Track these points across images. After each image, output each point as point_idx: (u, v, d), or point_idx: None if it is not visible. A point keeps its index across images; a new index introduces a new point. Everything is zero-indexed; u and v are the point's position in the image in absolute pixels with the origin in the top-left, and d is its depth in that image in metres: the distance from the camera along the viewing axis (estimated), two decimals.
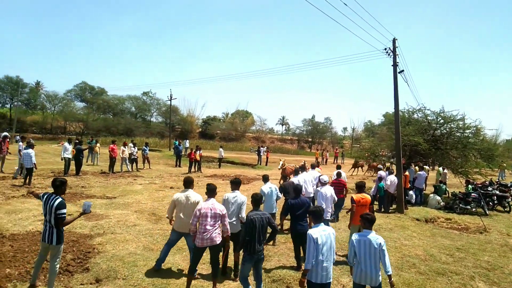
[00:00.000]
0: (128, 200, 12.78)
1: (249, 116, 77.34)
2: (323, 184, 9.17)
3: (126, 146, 21.14)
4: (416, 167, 17.49)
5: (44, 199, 5.56)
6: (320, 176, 9.84)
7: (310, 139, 75.43)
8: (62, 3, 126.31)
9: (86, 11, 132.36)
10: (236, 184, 6.96)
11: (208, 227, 5.83)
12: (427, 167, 19.07)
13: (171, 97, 45.65)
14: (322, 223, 5.17)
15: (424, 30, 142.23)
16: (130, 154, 21.26)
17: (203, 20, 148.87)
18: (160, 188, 15.66)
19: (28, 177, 14.18)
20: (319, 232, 4.93)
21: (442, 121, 18.06)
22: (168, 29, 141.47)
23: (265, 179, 9.35)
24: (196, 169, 23.70)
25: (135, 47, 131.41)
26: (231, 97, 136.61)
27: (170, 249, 6.89)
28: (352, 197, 8.30)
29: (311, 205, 7.82)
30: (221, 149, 28.99)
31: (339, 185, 11.00)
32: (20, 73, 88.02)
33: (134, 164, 21.79)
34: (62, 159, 17.56)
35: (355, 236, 5.07)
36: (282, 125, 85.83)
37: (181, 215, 6.55)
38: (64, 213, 5.46)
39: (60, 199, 5.48)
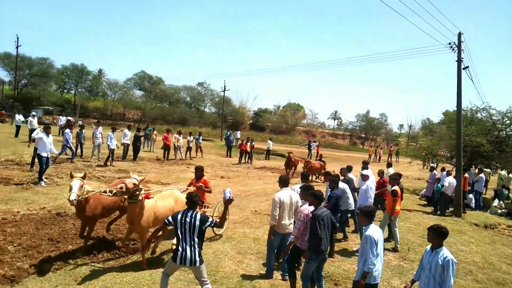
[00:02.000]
0: (180, 187, 13.19)
1: (300, 109, 76.79)
2: (366, 178, 8.91)
3: (180, 135, 21.85)
4: (476, 170, 16.53)
5: (179, 220, 4.78)
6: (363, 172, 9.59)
7: (363, 135, 73.47)
8: None
9: (146, 2, 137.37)
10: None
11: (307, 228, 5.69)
12: (488, 170, 17.92)
13: (224, 88, 46.44)
14: (373, 222, 5.06)
15: (492, 24, 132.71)
16: (188, 142, 22.02)
17: (258, 11, 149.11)
18: (212, 177, 16.01)
19: (110, 158, 16.13)
20: (377, 233, 4.82)
21: (508, 121, 16.88)
22: (223, 20, 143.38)
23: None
24: (247, 160, 23.99)
25: (192, 38, 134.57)
26: (283, 90, 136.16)
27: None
28: (395, 190, 8.29)
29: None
30: (269, 141, 29.04)
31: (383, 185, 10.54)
32: (85, 61, 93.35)
33: (188, 152, 22.47)
34: (121, 145, 18.47)
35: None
36: (334, 119, 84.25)
37: (285, 215, 6.17)
38: (212, 221, 4.96)
39: (199, 213, 4.93)
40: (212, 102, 72.80)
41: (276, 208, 6.05)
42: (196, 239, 4.76)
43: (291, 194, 6.33)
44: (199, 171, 8.13)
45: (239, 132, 39.61)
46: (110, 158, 16.21)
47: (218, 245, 7.62)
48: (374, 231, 4.83)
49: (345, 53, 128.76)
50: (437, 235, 4.47)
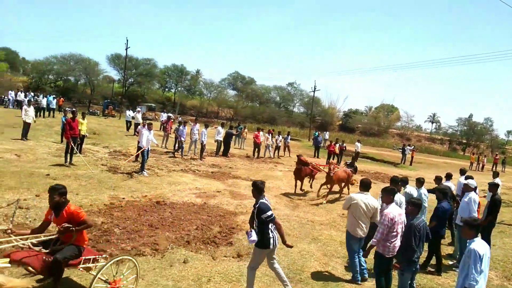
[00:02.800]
0: (268, 184, 13.42)
1: (394, 111, 72.97)
2: (471, 189, 8.10)
3: (270, 134, 22.25)
4: None
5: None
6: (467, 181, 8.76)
7: (464, 141, 67.30)
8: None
9: (240, 6, 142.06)
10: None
11: (396, 232, 5.46)
12: None
13: (314, 88, 46.13)
14: (479, 236, 4.59)
15: None
16: (276, 141, 22.38)
17: (351, 10, 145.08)
18: None
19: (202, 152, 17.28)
20: (482, 248, 4.36)
21: None
22: (313, 20, 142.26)
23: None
24: (336, 162, 23.52)
25: (283, 38, 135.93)
26: (376, 91, 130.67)
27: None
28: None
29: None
30: (357, 143, 28.08)
31: None
32: (184, 62, 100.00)
33: (277, 151, 22.78)
34: (215, 141, 19.41)
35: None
36: (432, 123, 78.28)
37: (361, 220, 6.06)
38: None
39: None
40: (301, 102, 72.88)
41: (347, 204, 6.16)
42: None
43: (369, 200, 6.11)
44: None
45: (327, 132, 39.01)
46: (202, 152, 17.32)
47: (304, 245, 7.59)
48: (480, 245, 4.36)
49: (446, 52, 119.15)
50: None
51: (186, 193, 10.48)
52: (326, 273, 6.42)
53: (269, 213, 4.99)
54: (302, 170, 12.32)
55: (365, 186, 6.26)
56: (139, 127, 15.02)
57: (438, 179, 9.81)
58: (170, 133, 20.05)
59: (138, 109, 25.69)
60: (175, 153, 17.31)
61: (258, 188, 5.21)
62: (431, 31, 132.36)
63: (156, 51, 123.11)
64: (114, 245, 6.41)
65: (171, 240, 6.97)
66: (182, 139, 17.15)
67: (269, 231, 5.03)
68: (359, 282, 6.13)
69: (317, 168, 13.49)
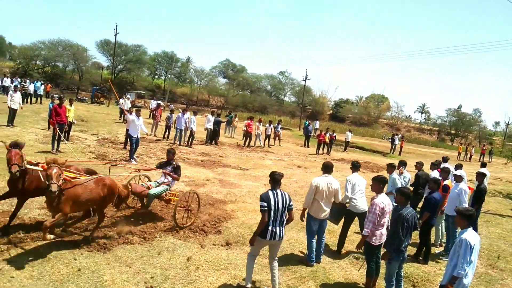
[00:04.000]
0: (258, 173, 13.47)
1: (385, 101, 73.35)
2: (460, 179, 8.18)
3: (260, 123, 22.23)
4: None
5: (275, 199, 5.00)
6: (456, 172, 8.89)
7: (453, 131, 68.05)
8: None
9: None
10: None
11: (384, 220, 5.49)
12: None
13: (305, 77, 46.00)
14: (472, 227, 4.63)
15: None
16: (266, 130, 22.35)
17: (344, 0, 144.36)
18: (288, 166, 16.09)
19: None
20: (474, 238, 4.41)
21: None
22: (307, 9, 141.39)
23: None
24: (325, 152, 23.69)
25: (275, 26, 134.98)
26: (366, 81, 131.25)
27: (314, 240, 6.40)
28: (446, 185, 7.88)
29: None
30: (348, 133, 28.22)
31: None
32: (174, 49, 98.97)
33: (267, 140, 22.78)
34: (205, 129, 19.33)
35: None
36: (422, 113, 79.02)
37: (321, 202, 6.19)
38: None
39: (287, 193, 5.28)
40: (292, 91, 72.82)
41: (311, 192, 6.17)
42: (284, 217, 5.08)
43: (331, 181, 6.26)
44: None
45: (318, 122, 39.10)
46: (192, 140, 17.31)
47: (293, 233, 7.62)
48: (472, 236, 4.41)
49: (437, 42, 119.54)
50: None
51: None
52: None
53: (261, 204, 4.96)
54: None
55: (326, 168, 6.41)
56: (127, 114, 14.83)
57: (419, 164, 10.00)
58: (160, 121, 19.90)
59: (128, 96, 25.39)
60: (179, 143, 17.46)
61: (273, 179, 5.17)
62: (424, 20, 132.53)
63: (146, 37, 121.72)
64: (100, 232, 6.36)
65: (160, 228, 6.95)
66: (178, 127, 17.15)
67: (270, 222, 4.96)
68: (313, 263, 6.26)
69: None
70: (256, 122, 22.35)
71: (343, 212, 6.96)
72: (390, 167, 8.57)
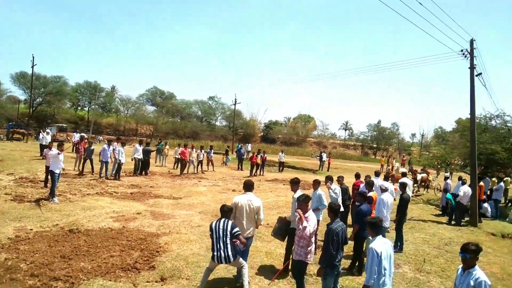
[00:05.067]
0: (193, 201, 13.22)
1: (311, 121, 76.72)
2: (384, 190, 8.76)
3: (193, 149, 22.02)
4: (494, 179, 16.21)
5: (215, 227, 5.77)
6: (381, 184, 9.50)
7: (375, 145, 72.91)
8: (134, 12, 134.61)
9: (156, 19, 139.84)
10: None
11: (313, 239, 5.76)
12: (508, 179, 17.52)
13: (235, 101, 46.77)
14: (381, 235, 4.90)
15: (507, 28, 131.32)
16: (198, 156, 22.09)
17: (267, 24, 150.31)
18: (223, 190, 16.01)
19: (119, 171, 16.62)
20: (382, 245, 4.61)
21: None
22: (233, 35, 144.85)
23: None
24: (259, 173, 24.05)
25: (202, 52, 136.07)
26: (293, 102, 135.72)
27: None
28: (370, 196, 8.37)
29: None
30: (281, 154, 29.01)
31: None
32: (98, 78, 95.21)
33: (199, 166, 22.52)
34: (132, 160, 18.61)
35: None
36: (345, 130, 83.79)
37: (243, 220, 6.28)
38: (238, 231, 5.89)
39: (231, 222, 5.91)
40: (223, 116, 73.51)
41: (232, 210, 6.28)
42: (227, 242, 5.71)
43: (252, 199, 6.37)
44: None
45: (250, 144, 39.61)
46: (119, 172, 16.68)
47: None
48: (379, 244, 4.61)
49: (355, 63, 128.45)
50: (477, 255, 4.13)
51: (102, 218, 9.82)
52: (254, 286, 6.41)
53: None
54: None
55: (247, 186, 6.55)
56: (45, 149, 13.83)
57: (341, 178, 10.68)
58: (84, 155, 18.82)
59: (47, 130, 23.80)
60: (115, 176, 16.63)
61: (222, 211, 5.98)
62: (342, 43, 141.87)
63: (66, 68, 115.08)
64: (20, 282, 5.78)
65: (87, 270, 6.46)
66: (103, 159, 16.28)
67: (213, 247, 5.78)
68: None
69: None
70: (188, 148, 22.03)
71: (287, 228, 7.06)
72: (315, 183, 8.75)
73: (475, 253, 4.08)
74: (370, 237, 4.93)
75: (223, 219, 5.80)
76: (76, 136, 26.10)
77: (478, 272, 4.04)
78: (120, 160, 16.56)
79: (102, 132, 57.07)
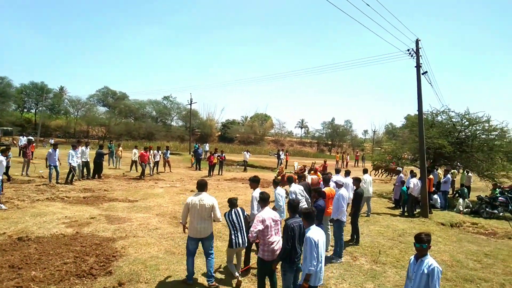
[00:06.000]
0: (149, 203, 12.90)
1: (268, 119, 77.32)
2: (340, 186, 9.01)
3: (151, 150, 21.49)
4: (439, 172, 17.12)
5: (230, 218, 6.61)
6: (336, 179, 9.78)
7: (330, 142, 74.86)
8: (84, 10, 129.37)
9: (107, 17, 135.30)
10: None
11: (275, 237, 5.71)
12: (455, 171, 18.50)
13: (191, 101, 46.11)
14: (314, 224, 5.15)
15: (449, 29, 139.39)
16: (154, 156, 21.55)
17: (221, 25, 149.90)
18: (181, 192, 15.77)
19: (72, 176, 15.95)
20: (317, 234, 4.89)
21: (467, 123, 17.58)
22: (187, 34, 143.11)
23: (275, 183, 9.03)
24: (218, 172, 23.95)
25: (156, 52, 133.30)
26: (250, 101, 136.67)
27: (194, 259, 6.53)
28: (323, 191, 8.60)
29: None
30: (245, 153, 29.12)
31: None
32: (45, 79, 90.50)
33: (155, 168, 22.03)
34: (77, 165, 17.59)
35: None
36: (301, 128, 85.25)
37: (195, 220, 6.24)
38: None
39: (240, 209, 6.85)
40: (179, 116, 72.19)
41: (185, 210, 6.39)
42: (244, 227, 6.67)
43: (204, 198, 6.33)
44: None
45: (207, 144, 39.37)
46: (71, 176, 15.91)
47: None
48: (314, 232, 4.88)
49: (309, 62, 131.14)
50: (429, 243, 4.40)
51: (54, 224, 9.35)
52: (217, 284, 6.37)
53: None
54: None
55: (200, 186, 6.50)
56: None
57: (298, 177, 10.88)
58: (31, 159, 17.83)
59: None
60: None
61: (230, 203, 6.88)
62: (294, 43, 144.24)
63: (9, 68, 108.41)
64: None
65: (39, 279, 6.14)
66: (52, 164, 15.42)
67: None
68: (191, 282, 6.35)
69: None
70: (141, 150, 21.37)
71: (248, 227, 7.03)
72: (274, 183, 8.89)
73: (429, 242, 4.39)
74: (305, 227, 5.14)
75: (233, 210, 6.66)
76: (23, 140, 24.69)
77: (430, 260, 4.32)
78: (70, 164, 15.75)
79: (51, 135, 54.37)
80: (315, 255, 4.71)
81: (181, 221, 6.69)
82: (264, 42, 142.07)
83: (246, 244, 6.61)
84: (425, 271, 4.25)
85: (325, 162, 25.60)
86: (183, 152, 43.12)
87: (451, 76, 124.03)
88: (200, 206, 6.23)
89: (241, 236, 6.50)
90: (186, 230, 6.51)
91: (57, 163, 15.76)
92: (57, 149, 16.12)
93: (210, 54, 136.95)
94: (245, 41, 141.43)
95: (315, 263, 4.71)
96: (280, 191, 8.58)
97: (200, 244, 6.46)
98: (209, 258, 6.44)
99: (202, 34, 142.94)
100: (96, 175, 18.10)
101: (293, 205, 5.63)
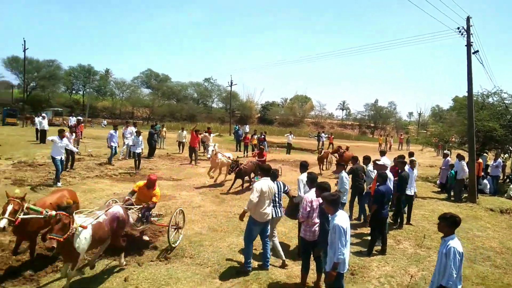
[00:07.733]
0: (193, 182, 13.27)
1: (308, 101, 76.31)
2: (385, 168, 8.80)
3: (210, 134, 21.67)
4: (491, 155, 16.29)
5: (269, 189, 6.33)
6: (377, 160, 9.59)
7: (372, 125, 72.87)
8: None
9: (150, 0, 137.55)
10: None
11: (316, 219, 5.66)
12: (507, 155, 17.55)
13: (231, 83, 46.41)
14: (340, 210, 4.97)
15: (502, 6, 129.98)
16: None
17: (263, 6, 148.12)
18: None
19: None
20: (344, 221, 4.70)
21: None
22: (229, 16, 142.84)
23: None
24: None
25: (197, 34, 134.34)
26: (290, 82, 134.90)
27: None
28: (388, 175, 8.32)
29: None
30: (289, 135, 29.00)
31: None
32: (91, 62, 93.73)
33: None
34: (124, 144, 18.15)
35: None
36: (343, 110, 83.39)
37: (265, 205, 6.19)
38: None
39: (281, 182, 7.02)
40: (219, 98, 72.98)
41: (255, 196, 6.05)
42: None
43: (270, 184, 6.33)
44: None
45: (247, 126, 39.57)
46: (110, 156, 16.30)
47: (232, 238, 7.63)
48: (342, 219, 4.69)
49: (352, 42, 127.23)
50: (450, 224, 4.33)
51: (103, 200, 9.84)
52: (256, 263, 6.49)
53: None
54: None
55: (266, 171, 6.55)
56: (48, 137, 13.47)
57: (354, 160, 10.76)
58: (81, 138, 18.67)
59: (43, 114, 23.58)
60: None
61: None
62: (337, 23, 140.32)
63: (59, 51, 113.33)
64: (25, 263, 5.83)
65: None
66: (112, 144, 15.88)
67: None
68: (250, 268, 6.19)
69: None
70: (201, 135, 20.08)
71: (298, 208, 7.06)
72: (339, 165, 9.20)
73: (445, 221, 4.37)
74: (330, 214, 4.94)
75: (275, 182, 6.66)
76: (72, 120, 25.93)
77: (452, 241, 4.24)
78: (112, 145, 15.99)
79: (98, 116, 56.81)
80: (344, 243, 4.60)
81: (247, 207, 6.17)
82: (306, 22, 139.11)
83: (281, 216, 6.83)
84: (444, 251, 4.21)
85: (344, 148, 20.26)
86: (223, 134, 43.68)
87: (504, 55, 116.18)
88: (269, 190, 6.24)
89: (278, 206, 6.73)
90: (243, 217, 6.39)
91: (117, 144, 16.39)
92: (117, 130, 16.74)
93: (252, 36, 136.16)
94: (285, 24, 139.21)
95: (344, 251, 4.60)
96: (345, 174, 8.73)
97: None
98: (268, 240, 6.45)
99: (244, 17, 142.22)
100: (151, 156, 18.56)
101: (323, 187, 5.53)
